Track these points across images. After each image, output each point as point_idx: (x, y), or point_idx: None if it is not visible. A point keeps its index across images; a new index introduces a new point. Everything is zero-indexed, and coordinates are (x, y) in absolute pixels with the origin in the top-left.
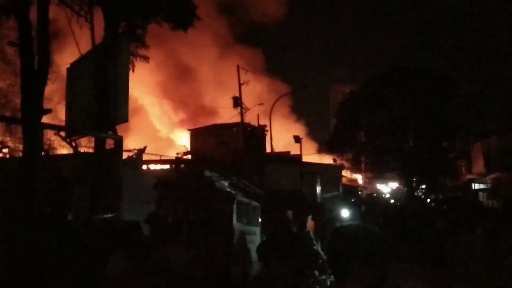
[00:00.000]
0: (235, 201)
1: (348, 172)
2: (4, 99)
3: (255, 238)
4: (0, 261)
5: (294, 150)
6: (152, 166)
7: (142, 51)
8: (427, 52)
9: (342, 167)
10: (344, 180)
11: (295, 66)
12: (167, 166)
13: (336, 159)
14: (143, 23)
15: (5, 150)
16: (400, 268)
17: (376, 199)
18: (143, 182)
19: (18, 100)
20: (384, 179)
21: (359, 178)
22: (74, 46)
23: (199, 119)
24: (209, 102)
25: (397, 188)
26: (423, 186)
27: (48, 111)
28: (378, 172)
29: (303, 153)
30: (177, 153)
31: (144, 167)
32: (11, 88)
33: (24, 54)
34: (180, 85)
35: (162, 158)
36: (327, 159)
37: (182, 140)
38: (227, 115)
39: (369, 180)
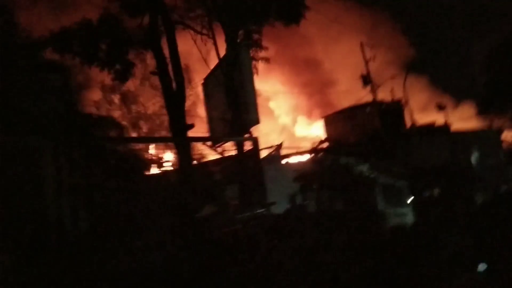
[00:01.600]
0: (376, 185)
1: (510, 135)
2: (158, 119)
3: (405, 219)
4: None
5: (441, 120)
6: (291, 160)
7: (262, 54)
8: None
9: (500, 131)
10: (506, 144)
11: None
12: (306, 157)
13: (493, 120)
14: (258, 27)
15: (168, 164)
16: None
17: None
18: (285, 175)
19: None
20: None
21: None
22: (202, 63)
23: (331, 106)
24: (337, 86)
25: None
26: None
27: (191, 126)
28: None
29: (452, 120)
30: (313, 143)
31: (284, 161)
32: (163, 110)
33: (163, 80)
34: (302, 77)
35: (299, 150)
36: (481, 123)
37: (316, 130)
38: (357, 96)
39: None
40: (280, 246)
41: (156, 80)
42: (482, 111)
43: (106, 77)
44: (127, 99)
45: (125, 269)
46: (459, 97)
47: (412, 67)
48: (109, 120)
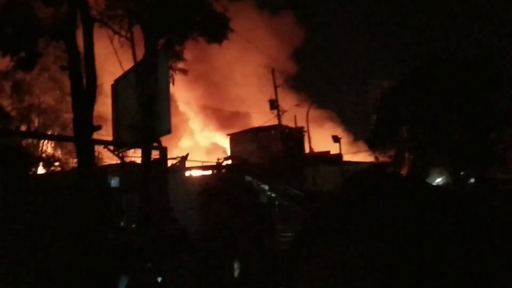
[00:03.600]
0: (276, 205)
1: (392, 169)
2: (53, 114)
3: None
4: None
5: (335, 150)
6: (195, 173)
7: (180, 65)
8: (463, 41)
9: (386, 165)
10: None
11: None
12: (209, 172)
13: (378, 156)
14: (181, 39)
15: (57, 164)
16: None
17: None
18: (187, 188)
19: (65, 116)
20: (430, 175)
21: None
22: (115, 64)
23: (236, 125)
24: (245, 108)
25: (444, 184)
26: (472, 181)
27: (98, 127)
28: (423, 168)
29: (343, 152)
30: (218, 159)
31: (187, 173)
32: (59, 105)
33: (74, 76)
34: (214, 94)
35: (204, 164)
36: (369, 157)
37: (222, 146)
38: (264, 118)
39: None
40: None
41: (56, 72)
42: (370, 147)
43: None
44: (20, 88)
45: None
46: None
47: (315, 100)
48: None
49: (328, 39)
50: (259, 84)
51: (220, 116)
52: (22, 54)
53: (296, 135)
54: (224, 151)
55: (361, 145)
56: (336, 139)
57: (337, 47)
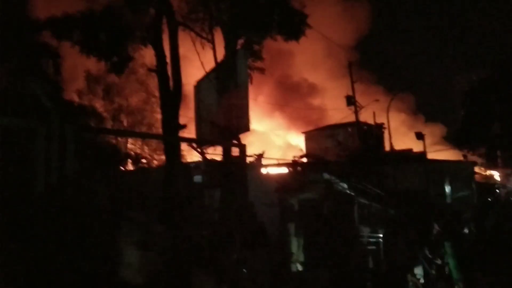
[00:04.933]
0: (356, 203)
1: (482, 169)
2: (140, 115)
3: (378, 239)
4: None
5: (417, 147)
6: (271, 170)
7: (258, 64)
8: None
9: (474, 163)
10: (477, 177)
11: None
12: (285, 170)
13: (467, 154)
14: (260, 39)
15: (144, 161)
16: None
17: None
18: (264, 185)
19: (151, 116)
20: None
21: (496, 174)
22: (197, 65)
23: (313, 122)
24: (321, 104)
25: None
26: None
27: (184, 126)
28: None
29: (427, 149)
30: (294, 156)
31: (264, 171)
32: (145, 106)
33: (161, 78)
34: (290, 92)
35: (280, 162)
36: (456, 155)
37: (298, 143)
38: (340, 115)
39: (508, 177)
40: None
41: (142, 75)
42: (457, 144)
43: (93, 67)
44: (111, 91)
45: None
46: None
47: (396, 94)
48: (90, 109)
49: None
50: (335, 79)
51: (292, 113)
52: (115, 58)
53: (376, 132)
54: (300, 149)
55: (445, 142)
56: (419, 135)
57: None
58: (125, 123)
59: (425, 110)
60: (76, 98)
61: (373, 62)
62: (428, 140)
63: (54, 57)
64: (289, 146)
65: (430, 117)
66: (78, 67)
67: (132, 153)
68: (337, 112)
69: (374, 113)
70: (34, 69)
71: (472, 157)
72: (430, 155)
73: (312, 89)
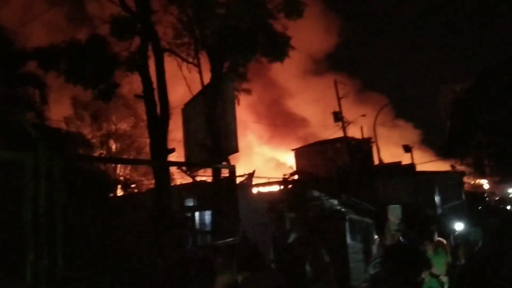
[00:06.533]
0: (347, 219)
1: (471, 178)
2: (129, 139)
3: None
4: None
5: (406, 160)
6: (262, 189)
7: (244, 85)
8: None
9: (463, 173)
10: (466, 187)
11: (395, 71)
12: (276, 188)
13: (455, 165)
14: (245, 61)
15: (133, 185)
16: None
17: None
18: (256, 205)
19: (141, 140)
20: None
21: (485, 183)
22: (183, 89)
23: (301, 139)
24: (310, 121)
25: None
26: None
27: (172, 150)
28: (506, 175)
29: (415, 161)
30: (284, 174)
31: (255, 190)
32: (133, 130)
33: (149, 104)
34: (276, 109)
35: (270, 180)
36: (444, 166)
37: (287, 161)
38: (329, 131)
39: (496, 185)
40: None
41: (129, 100)
42: (445, 155)
43: (79, 93)
44: (99, 117)
45: None
46: (425, 139)
47: (382, 108)
48: (78, 137)
49: (390, 41)
50: (321, 96)
51: (281, 131)
52: (102, 86)
53: (364, 147)
54: (290, 167)
55: (432, 152)
56: (407, 148)
57: (401, 50)
58: (113, 149)
59: (413, 122)
60: (63, 126)
61: (357, 73)
62: (416, 151)
63: (40, 86)
64: (279, 164)
65: (418, 129)
66: (64, 94)
67: (122, 178)
68: (325, 128)
69: (361, 128)
70: (20, 99)
71: (460, 167)
72: (419, 167)
73: (299, 105)
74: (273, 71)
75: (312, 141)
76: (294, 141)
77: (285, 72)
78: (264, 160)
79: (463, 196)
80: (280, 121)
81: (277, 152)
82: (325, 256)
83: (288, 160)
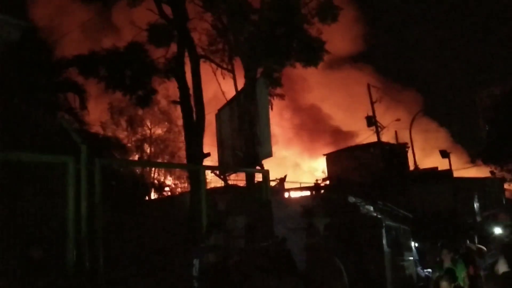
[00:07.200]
0: (383, 226)
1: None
2: (163, 144)
3: (408, 264)
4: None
5: (443, 165)
6: (293, 194)
7: (278, 90)
8: None
9: (503, 180)
10: (507, 194)
11: (430, 74)
12: (307, 193)
13: (495, 171)
14: (279, 67)
15: (167, 189)
16: None
17: None
18: (287, 209)
19: (174, 145)
20: None
21: None
22: (217, 93)
23: (335, 144)
24: (342, 126)
25: None
26: None
27: (207, 154)
28: None
29: (453, 167)
30: (316, 180)
31: (286, 194)
32: (167, 135)
33: (185, 110)
34: (308, 114)
35: (302, 185)
36: (483, 172)
37: (320, 166)
38: (362, 136)
39: None
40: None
41: (164, 105)
42: (484, 161)
43: (116, 99)
44: (134, 122)
45: None
46: (463, 144)
47: (418, 113)
48: (114, 141)
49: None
50: (355, 100)
51: (309, 136)
52: (140, 92)
53: (399, 152)
54: (323, 172)
55: (467, 158)
56: (444, 154)
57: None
58: (148, 152)
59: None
60: (100, 130)
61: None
62: (453, 157)
63: (80, 92)
64: (311, 169)
65: (455, 134)
66: (101, 100)
67: (156, 181)
68: (359, 133)
69: (396, 132)
70: (61, 104)
71: (500, 173)
72: (457, 173)
73: (332, 110)
74: (299, 73)
75: (342, 147)
76: (323, 146)
77: (314, 75)
78: (293, 165)
79: (504, 202)
80: (309, 126)
81: (305, 156)
82: (338, 264)
83: (319, 165)
